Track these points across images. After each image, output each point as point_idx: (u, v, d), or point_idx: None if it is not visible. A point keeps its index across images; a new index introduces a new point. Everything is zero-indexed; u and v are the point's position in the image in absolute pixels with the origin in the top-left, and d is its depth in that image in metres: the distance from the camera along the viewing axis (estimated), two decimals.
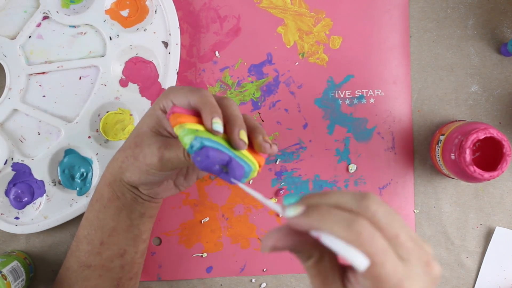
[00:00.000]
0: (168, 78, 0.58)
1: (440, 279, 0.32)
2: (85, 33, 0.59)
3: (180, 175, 0.51)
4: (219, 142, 0.41)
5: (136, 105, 0.59)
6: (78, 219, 0.60)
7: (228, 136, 0.42)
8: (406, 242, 0.31)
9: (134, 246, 0.51)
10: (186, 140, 0.39)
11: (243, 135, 0.42)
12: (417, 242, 0.32)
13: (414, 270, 0.31)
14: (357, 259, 0.30)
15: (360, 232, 0.30)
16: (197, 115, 0.43)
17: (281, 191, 0.60)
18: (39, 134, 0.59)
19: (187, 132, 0.40)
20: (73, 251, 0.51)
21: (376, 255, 0.30)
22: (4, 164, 0.58)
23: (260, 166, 0.43)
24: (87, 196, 0.59)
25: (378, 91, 0.61)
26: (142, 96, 0.59)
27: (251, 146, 0.43)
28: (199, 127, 0.41)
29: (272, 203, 0.35)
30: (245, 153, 0.42)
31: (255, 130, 0.43)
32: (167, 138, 0.45)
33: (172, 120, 0.41)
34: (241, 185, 0.40)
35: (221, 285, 0.61)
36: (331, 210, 0.31)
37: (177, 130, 0.40)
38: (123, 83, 0.59)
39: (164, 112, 0.45)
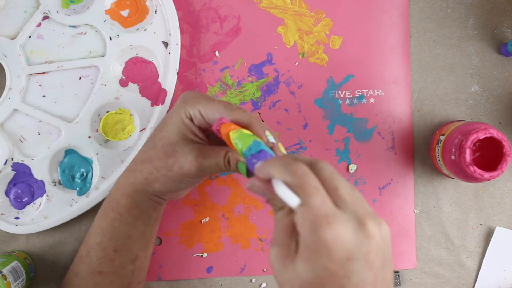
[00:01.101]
0: (168, 78, 0.58)
1: (375, 238, 0.33)
2: (85, 33, 0.59)
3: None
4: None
5: (136, 105, 0.59)
6: (78, 219, 0.60)
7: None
8: (344, 195, 0.34)
9: (145, 250, 0.51)
10: (245, 142, 0.41)
11: (282, 149, 0.43)
12: (358, 201, 0.34)
13: (345, 216, 0.33)
14: (290, 197, 0.34)
15: (294, 170, 0.34)
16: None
17: None
18: (39, 134, 0.59)
19: (246, 135, 0.42)
20: (82, 257, 0.51)
21: (306, 188, 0.33)
22: (4, 164, 0.58)
23: None
24: (87, 196, 0.59)
25: (378, 91, 0.61)
26: (142, 96, 0.59)
27: None
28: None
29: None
30: None
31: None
32: (201, 145, 0.46)
33: (226, 128, 0.43)
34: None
35: (221, 285, 0.61)
36: (281, 158, 0.36)
37: (233, 134, 0.42)
38: (123, 83, 0.59)
39: (191, 119, 0.45)
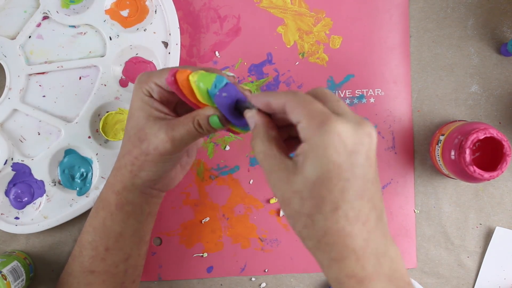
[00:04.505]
0: None
1: (373, 138, 0.36)
2: (85, 33, 0.59)
3: (184, 154, 0.51)
4: None
5: None
6: (78, 219, 0.60)
7: None
8: (343, 106, 0.37)
9: (138, 249, 0.51)
10: (208, 80, 0.40)
11: (245, 86, 0.43)
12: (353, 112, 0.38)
13: (345, 118, 0.35)
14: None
15: (295, 93, 0.37)
16: None
17: None
18: (39, 134, 0.59)
19: (206, 74, 0.41)
20: (75, 256, 0.51)
21: (307, 101, 0.36)
22: (4, 164, 0.58)
23: None
24: (87, 196, 0.59)
25: (378, 90, 0.61)
26: None
27: None
28: None
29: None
30: None
31: None
32: (169, 120, 0.45)
33: (182, 74, 0.42)
34: None
35: (221, 285, 0.61)
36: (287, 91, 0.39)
37: (193, 77, 0.41)
38: (123, 83, 0.59)
39: (150, 96, 0.45)
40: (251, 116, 0.40)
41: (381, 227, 0.36)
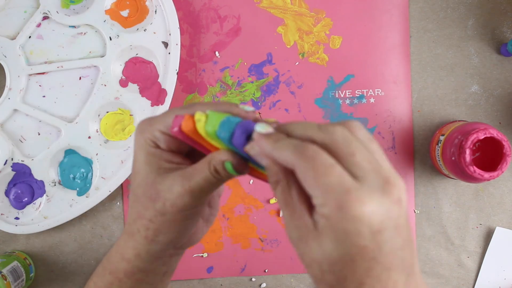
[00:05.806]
0: (168, 78, 0.58)
1: (403, 202, 0.31)
2: (85, 33, 0.59)
3: (205, 205, 0.43)
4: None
5: (136, 105, 0.59)
6: (78, 219, 0.60)
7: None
8: (362, 161, 0.31)
9: None
10: (215, 123, 0.34)
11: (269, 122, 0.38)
12: (377, 163, 0.31)
13: (368, 187, 0.30)
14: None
15: (303, 151, 0.31)
16: None
17: None
18: (39, 134, 0.59)
19: (213, 116, 0.35)
20: None
21: (319, 168, 0.30)
22: (4, 164, 0.58)
23: None
24: (87, 197, 0.59)
25: (378, 90, 0.61)
26: (142, 96, 0.59)
27: None
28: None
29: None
30: None
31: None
32: (182, 170, 0.38)
33: (187, 124, 0.35)
34: None
35: (221, 285, 0.61)
36: (286, 138, 0.33)
37: (199, 123, 0.35)
38: (123, 83, 0.59)
39: (157, 146, 0.38)
40: (256, 153, 0.34)
41: (412, 282, 0.32)
